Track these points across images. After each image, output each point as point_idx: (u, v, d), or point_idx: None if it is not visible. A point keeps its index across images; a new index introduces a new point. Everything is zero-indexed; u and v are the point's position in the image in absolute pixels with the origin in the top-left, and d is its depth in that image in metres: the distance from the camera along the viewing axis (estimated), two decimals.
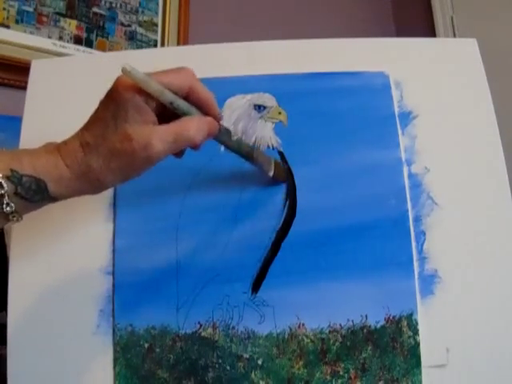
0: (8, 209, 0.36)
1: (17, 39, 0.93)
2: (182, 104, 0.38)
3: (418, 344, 0.47)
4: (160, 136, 0.36)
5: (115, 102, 0.36)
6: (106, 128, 0.36)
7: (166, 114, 0.38)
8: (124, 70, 0.35)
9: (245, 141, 0.45)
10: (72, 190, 0.38)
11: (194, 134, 0.38)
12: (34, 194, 0.36)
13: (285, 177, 0.50)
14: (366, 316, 0.48)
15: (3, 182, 0.35)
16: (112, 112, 0.36)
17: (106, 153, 0.36)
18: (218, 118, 0.41)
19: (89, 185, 0.38)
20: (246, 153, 0.46)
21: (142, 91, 0.36)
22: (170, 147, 0.37)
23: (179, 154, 0.42)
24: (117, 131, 0.36)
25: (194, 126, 0.38)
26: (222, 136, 0.43)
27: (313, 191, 0.51)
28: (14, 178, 0.36)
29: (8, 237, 0.70)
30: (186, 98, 0.39)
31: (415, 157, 0.52)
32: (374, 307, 0.48)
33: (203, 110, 0.40)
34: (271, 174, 0.48)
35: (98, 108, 0.37)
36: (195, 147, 0.39)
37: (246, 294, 0.49)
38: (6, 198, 0.35)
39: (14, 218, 0.37)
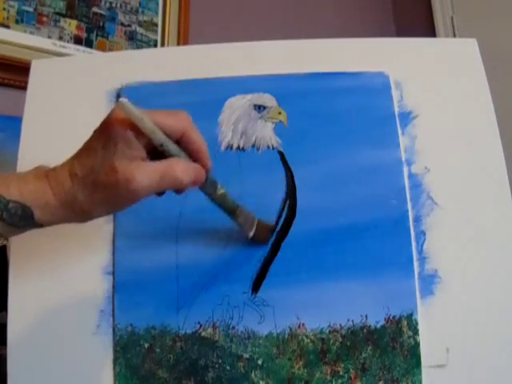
0: None
1: (17, 39, 0.93)
2: (172, 147, 0.38)
3: (417, 344, 0.47)
4: (146, 172, 0.36)
5: (106, 134, 0.36)
6: (95, 159, 0.36)
7: (158, 151, 0.38)
8: (120, 104, 0.35)
9: (230, 197, 0.45)
10: (58, 217, 0.38)
11: (180, 176, 0.37)
12: (20, 219, 0.37)
13: (267, 238, 0.49)
14: (366, 316, 0.48)
15: None
16: (102, 144, 0.36)
17: (91, 184, 0.36)
18: (206, 168, 0.41)
19: (74, 214, 0.38)
20: (229, 209, 0.45)
21: (134, 127, 0.36)
22: (154, 184, 0.37)
23: (160, 193, 0.41)
24: (104, 163, 0.36)
25: (180, 167, 0.38)
26: (208, 187, 0.43)
27: (313, 191, 0.51)
28: (0, 203, 0.36)
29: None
30: (179, 142, 0.39)
31: (415, 157, 0.52)
32: (374, 307, 0.48)
33: (194, 157, 0.40)
34: (251, 235, 0.48)
35: (91, 138, 0.38)
36: (179, 190, 0.39)
37: (246, 293, 0.49)
38: None
39: None
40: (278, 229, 0.50)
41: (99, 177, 0.36)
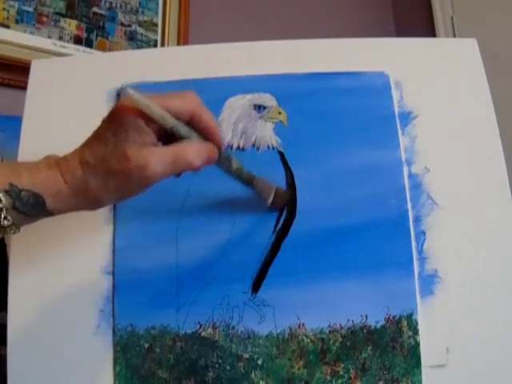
0: (6, 222, 0.36)
1: (17, 39, 0.93)
2: (183, 129, 0.38)
3: (417, 344, 0.47)
4: (158, 158, 0.36)
5: (116, 123, 0.36)
6: (106, 147, 0.36)
7: (169, 135, 0.38)
8: (126, 94, 0.35)
9: (245, 170, 0.45)
10: (69, 205, 0.38)
11: (192, 159, 0.38)
12: (32, 208, 0.37)
13: (284, 205, 0.50)
14: (366, 316, 0.48)
15: (1, 196, 0.36)
16: (112, 132, 0.36)
17: (103, 172, 0.37)
18: (219, 146, 0.41)
19: (86, 202, 0.38)
20: (247, 180, 0.46)
21: (143, 114, 0.36)
22: (167, 169, 0.37)
23: (177, 175, 0.42)
24: (115, 151, 0.36)
25: (193, 150, 0.38)
26: (222, 163, 0.43)
27: (313, 191, 0.51)
28: (12, 192, 0.36)
29: (8, 237, 0.70)
30: (189, 123, 0.39)
31: (415, 157, 0.52)
32: (374, 307, 0.48)
33: (205, 136, 0.40)
34: (269, 202, 0.48)
35: (100, 126, 0.38)
36: (194, 171, 0.39)
37: (246, 293, 0.49)
38: (4, 211, 0.36)
39: (11, 231, 0.37)
40: (278, 229, 0.50)
41: (111, 165, 0.36)
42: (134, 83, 0.55)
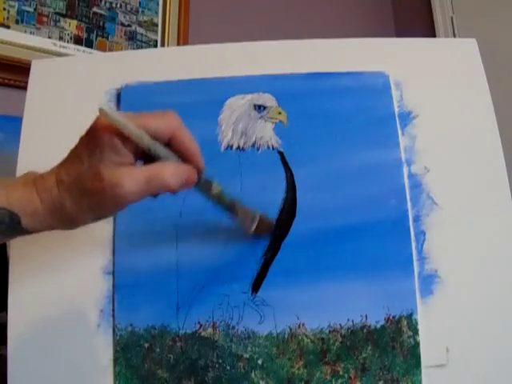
0: None
1: (17, 39, 0.93)
2: (161, 150, 0.37)
3: (417, 344, 0.47)
4: (132, 177, 0.36)
5: (92, 141, 0.36)
6: (81, 166, 0.36)
7: (149, 156, 0.38)
8: (101, 112, 0.35)
9: (227, 195, 0.44)
10: (45, 224, 0.38)
11: (168, 179, 0.37)
12: (7, 227, 0.37)
13: (267, 232, 0.49)
14: (366, 316, 0.48)
15: None
16: (89, 151, 0.36)
17: (77, 191, 0.36)
18: (199, 168, 0.40)
19: (61, 221, 0.38)
20: (226, 206, 0.45)
21: (119, 133, 0.35)
22: (142, 189, 0.36)
23: (154, 196, 0.41)
24: (90, 170, 0.36)
25: (169, 170, 0.37)
26: (201, 187, 0.42)
27: (313, 191, 0.51)
28: None
29: None
30: (169, 144, 0.38)
31: (415, 157, 0.52)
32: (373, 307, 0.48)
33: (185, 158, 0.39)
34: (251, 230, 0.47)
35: (77, 145, 0.37)
36: (170, 192, 0.38)
37: (246, 293, 0.49)
38: None
39: None
40: (278, 229, 0.50)
41: (85, 183, 0.36)
42: (134, 83, 0.55)
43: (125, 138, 0.35)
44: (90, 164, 0.36)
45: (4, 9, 0.93)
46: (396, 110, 0.54)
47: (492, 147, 0.53)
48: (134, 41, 1.11)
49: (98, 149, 0.35)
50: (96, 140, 0.36)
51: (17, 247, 0.51)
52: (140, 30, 1.12)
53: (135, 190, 0.36)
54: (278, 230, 0.50)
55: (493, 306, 0.49)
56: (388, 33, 1.57)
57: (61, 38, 0.99)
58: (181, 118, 0.38)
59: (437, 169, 0.52)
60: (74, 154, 0.37)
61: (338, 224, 0.50)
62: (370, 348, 0.47)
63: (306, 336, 0.48)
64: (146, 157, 0.38)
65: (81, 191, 0.36)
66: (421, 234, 0.50)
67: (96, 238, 0.51)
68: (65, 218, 0.37)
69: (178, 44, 1.15)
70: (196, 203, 0.50)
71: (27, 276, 0.50)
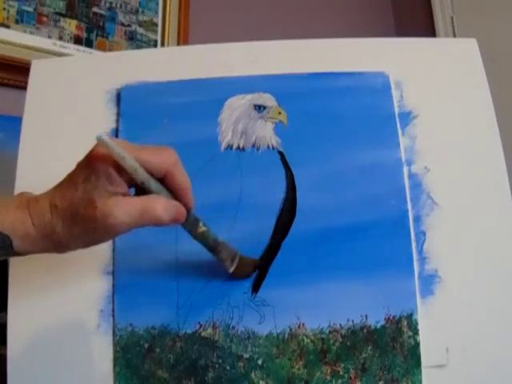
0: None
1: (17, 39, 0.93)
2: (154, 185, 0.38)
3: (417, 344, 0.47)
4: (124, 208, 0.36)
5: (89, 168, 0.36)
6: (75, 192, 0.36)
7: (141, 187, 0.38)
8: (100, 141, 0.35)
9: (211, 234, 0.44)
10: (37, 248, 0.38)
11: (159, 213, 0.37)
12: None
13: (249, 273, 0.49)
14: (366, 316, 0.48)
15: None
16: (84, 177, 0.36)
17: (70, 217, 0.36)
18: (188, 207, 0.40)
19: (52, 246, 0.38)
20: (210, 246, 0.45)
21: (116, 164, 0.36)
22: (133, 221, 0.36)
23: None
24: (83, 197, 0.36)
25: (161, 205, 0.37)
26: (188, 225, 0.42)
27: (313, 191, 0.51)
28: None
29: None
30: (163, 180, 0.38)
31: (415, 157, 0.52)
32: (373, 307, 0.48)
33: (176, 195, 0.39)
34: (231, 270, 0.47)
35: (73, 170, 0.37)
36: (159, 226, 0.39)
37: (246, 294, 0.49)
38: None
39: None
40: (277, 229, 0.50)
41: (78, 210, 0.36)
42: (134, 83, 0.55)
43: (120, 169, 0.36)
44: (84, 191, 0.36)
45: (4, 9, 0.93)
46: (396, 109, 0.54)
47: (492, 147, 0.53)
48: (134, 41, 1.11)
49: (94, 176, 0.36)
50: (92, 168, 0.36)
51: None
52: (140, 29, 1.12)
53: (126, 221, 0.36)
54: (278, 230, 0.50)
55: (493, 306, 0.49)
56: (388, 33, 1.57)
57: (61, 38, 0.99)
58: (178, 156, 0.39)
59: (437, 169, 0.52)
60: (70, 179, 0.37)
61: (338, 224, 0.50)
62: (370, 348, 0.47)
63: (306, 336, 0.48)
64: (138, 187, 0.38)
65: (73, 218, 0.36)
66: (421, 234, 0.50)
67: None
68: (55, 243, 0.38)
69: (178, 44, 1.15)
70: (196, 203, 0.50)
71: (27, 276, 0.50)
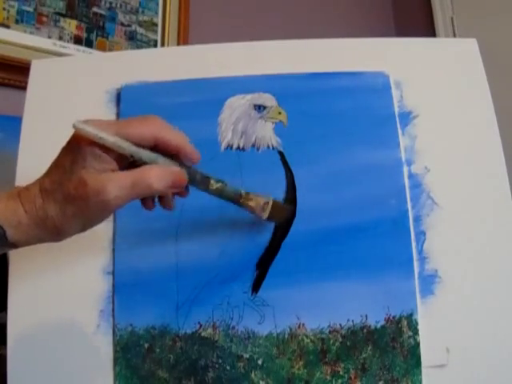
0: None
1: (17, 39, 0.93)
2: (145, 155, 0.37)
3: (417, 344, 0.47)
4: (116, 182, 0.36)
5: (74, 150, 0.36)
6: (64, 174, 0.36)
7: (135, 162, 0.38)
8: (75, 128, 0.35)
9: (229, 188, 0.43)
10: (32, 236, 0.38)
11: (153, 181, 0.36)
12: None
13: (284, 217, 0.49)
14: (366, 316, 0.48)
15: None
16: (70, 159, 0.36)
17: (61, 199, 0.36)
18: (192, 161, 0.40)
19: (47, 232, 0.38)
20: (232, 199, 0.44)
21: (99, 144, 0.35)
22: (126, 193, 0.36)
23: (183, 193, 0.41)
24: (72, 177, 0.36)
25: (154, 173, 0.37)
26: (198, 184, 0.41)
27: (313, 191, 0.51)
28: None
29: None
30: (155, 147, 0.38)
31: (415, 157, 0.52)
32: (374, 307, 0.48)
33: (175, 157, 0.39)
34: (265, 216, 0.46)
35: (59, 155, 0.37)
36: (157, 194, 0.38)
37: (246, 294, 0.49)
38: None
39: None
40: (278, 229, 0.50)
41: (69, 190, 0.36)
42: (134, 83, 0.55)
43: (106, 147, 0.36)
44: (72, 171, 0.36)
45: (4, 9, 0.92)
46: (396, 110, 0.54)
47: (492, 147, 0.53)
48: (134, 41, 1.11)
49: (80, 157, 0.36)
50: (77, 149, 0.36)
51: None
52: (140, 29, 1.12)
53: (119, 195, 0.36)
54: (278, 230, 0.50)
55: (493, 306, 0.49)
56: (388, 33, 1.57)
57: (61, 38, 0.99)
58: (164, 119, 0.38)
59: (437, 169, 0.52)
60: (57, 164, 0.37)
61: (338, 224, 0.50)
62: (370, 348, 0.47)
63: (306, 336, 0.48)
64: (133, 162, 0.38)
65: (65, 198, 0.36)
66: (421, 234, 0.50)
67: (96, 238, 0.51)
68: (50, 228, 0.37)
69: (178, 44, 1.15)
70: (196, 203, 0.50)
71: (27, 276, 0.50)
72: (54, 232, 0.38)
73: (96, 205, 0.36)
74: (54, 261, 0.50)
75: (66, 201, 0.36)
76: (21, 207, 0.37)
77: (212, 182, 0.42)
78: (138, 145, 0.37)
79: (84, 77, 0.57)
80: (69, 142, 0.37)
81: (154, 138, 0.37)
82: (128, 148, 0.36)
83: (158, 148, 0.38)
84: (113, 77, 0.55)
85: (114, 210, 0.37)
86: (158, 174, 0.37)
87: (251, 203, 0.45)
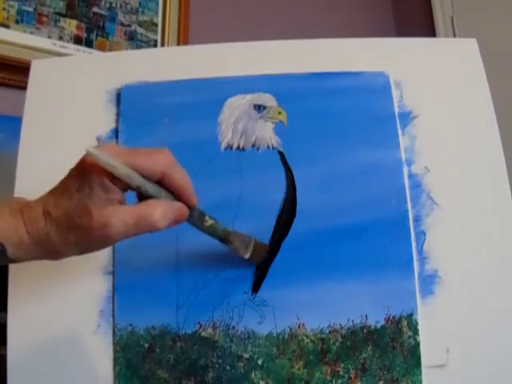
0: None
1: (17, 39, 0.93)
2: (151, 189, 0.37)
3: (418, 344, 0.47)
4: (121, 217, 0.35)
5: (81, 177, 0.36)
6: (70, 201, 0.36)
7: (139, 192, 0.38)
8: (89, 154, 0.34)
9: (220, 225, 0.44)
10: (31, 255, 0.38)
11: (157, 219, 0.36)
12: None
13: (263, 257, 0.49)
14: (366, 316, 0.48)
15: None
16: (78, 186, 0.36)
17: (65, 226, 0.36)
18: (191, 205, 0.40)
19: (47, 253, 0.38)
20: (220, 237, 0.45)
21: (108, 172, 0.35)
22: (130, 230, 0.36)
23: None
24: (79, 206, 0.35)
25: (158, 210, 0.37)
26: (194, 221, 0.42)
27: (313, 191, 0.51)
28: None
29: None
30: (160, 181, 0.38)
31: (415, 157, 0.52)
32: (373, 307, 0.48)
33: (176, 196, 0.39)
34: (247, 256, 0.47)
35: (66, 177, 0.37)
36: (159, 230, 0.38)
37: (246, 294, 0.49)
38: None
39: None
40: (278, 229, 0.50)
41: (74, 219, 0.35)
42: (134, 83, 0.55)
43: (114, 176, 0.35)
44: (78, 200, 0.35)
45: (4, 9, 0.93)
46: (396, 110, 0.54)
47: (492, 147, 0.53)
48: (134, 41, 1.11)
49: (87, 185, 0.35)
50: (84, 177, 0.35)
51: None
52: (140, 29, 1.12)
53: (123, 231, 0.36)
54: (278, 230, 0.50)
55: (493, 306, 0.49)
56: (388, 33, 1.57)
57: (61, 38, 0.99)
58: (173, 156, 0.38)
59: (437, 169, 0.52)
60: (63, 187, 0.37)
61: (338, 224, 0.50)
62: (370, 348, 0.47)
63: (306, 336, 0.48)
64: (138, 192, 0.38)
65: (69, 226, 0.36)
66: (421, 234, 0.50)
67: None
68: (50, 251, 0.38)
69: (178, 44, 1.15)
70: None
71: (27, 276, 0.50)
72: (52, 253, 0.38)
73: (98, 237, 0.36)
74: (54, 261, 0.50)
75: (70, 229, 0.36)
76: (23, 227, 0.36)
77: (206, 218, 0.43)
78: (145, 177, 0.37)
79: (84, 77, 0.57)
80: (77, 167, 0.36)
81: (162, 173, 0.37)
82: (137, 180, 0.36)
83: (163, 183, 0.38)
84: (113, 77, 0.55)
85: (115, 243, 0.38)
86: (163, 212, 0.37)
87: (236, 243, 0.46)
